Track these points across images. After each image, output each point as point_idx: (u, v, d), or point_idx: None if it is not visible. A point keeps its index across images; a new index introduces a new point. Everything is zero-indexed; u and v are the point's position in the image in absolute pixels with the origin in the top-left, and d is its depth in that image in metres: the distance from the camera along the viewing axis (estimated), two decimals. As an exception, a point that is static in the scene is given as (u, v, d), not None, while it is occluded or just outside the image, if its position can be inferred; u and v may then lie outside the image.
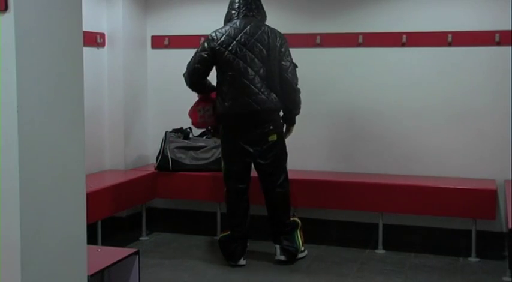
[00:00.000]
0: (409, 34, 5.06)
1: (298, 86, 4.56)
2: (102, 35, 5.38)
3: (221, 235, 4.72)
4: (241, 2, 4.58)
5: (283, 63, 4.49)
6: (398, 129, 5.15)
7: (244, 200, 4.61)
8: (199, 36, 5.54)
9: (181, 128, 5.50)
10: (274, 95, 4.46)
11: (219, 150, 5.26)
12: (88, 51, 4.93)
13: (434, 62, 5.04)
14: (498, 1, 4.85)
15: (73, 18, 2.57)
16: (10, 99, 2.29)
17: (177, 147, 5.30)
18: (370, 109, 5.21)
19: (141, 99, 5.71)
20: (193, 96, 5.63)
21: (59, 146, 2.51)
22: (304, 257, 4.70)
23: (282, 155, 4.59)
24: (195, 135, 5.51)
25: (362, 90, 5.20)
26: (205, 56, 4.51)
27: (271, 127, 4.49)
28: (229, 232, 4.62)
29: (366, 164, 5.23)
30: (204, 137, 5.47)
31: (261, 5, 4.66)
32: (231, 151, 4.58)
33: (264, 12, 4.68)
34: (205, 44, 4.54)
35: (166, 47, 5.68)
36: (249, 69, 4.43)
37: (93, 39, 5.25)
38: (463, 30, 4.94)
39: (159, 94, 5.75)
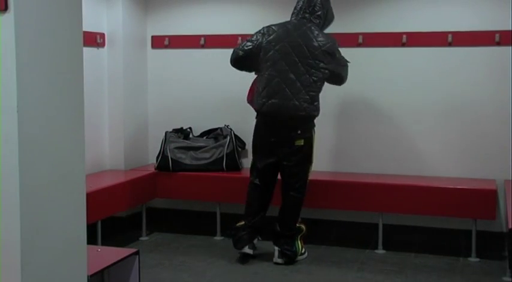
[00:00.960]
0: (409, 34, 5.06)
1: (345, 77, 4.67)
2: (102, 35, 5.38)
3: (237, 224, 4.72)
4: (304, 2, 4.57)
5: (335, 71, 4.55)
6: (398, 129, 5.15)
7: (261, 197, 4.64)
8: (199, 36, 5.56)
9: (181, 128, 5.51)
10: (308, 103, 4.45)
11: (219, 150, 5.28)
12: (88, 51, 4.92)
13: (434, 62, 5.04)
14: (498, 1, 4.85)
15: (73, 18, 2.56)
16: (10, 99, 2.28)
17: (177, 147, 5.30)
18: (369, 109, 5.21)
19: (141, 99, 5.71)
20: (193, 96, 5.65)
21: (59, 146, 2.51)
22: (304, 258, 4.71)
23: (306, 161, 4.57)
24: (195, 135, 5.52)
25: (362, 90, 5.20)
26: (252, 48, 4.57)
27: (299, 132, 4.50)
28: (243, 222, 4.66)
29: (366, 164, 5.23)
30: (204, 137, 5.47)
31: (326, 9, 4.60)
32: (259, 147, 4.64)
33: (327, 17, 4.63)
34: (255, 36, 4.59)
35: (166, 47, 5.68)
36: (290, 73, 4.45)
37: (93, 39, 5.25)
38: (463, 30, 4.94)
39: (159, 94, 5.75)
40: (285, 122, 4.50)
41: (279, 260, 4.58)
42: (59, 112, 2.50)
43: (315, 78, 4.48)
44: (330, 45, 4.52)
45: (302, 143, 4.51)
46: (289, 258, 4.59)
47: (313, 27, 4.53)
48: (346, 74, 4.66)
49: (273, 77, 4.49)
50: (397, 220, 5.08)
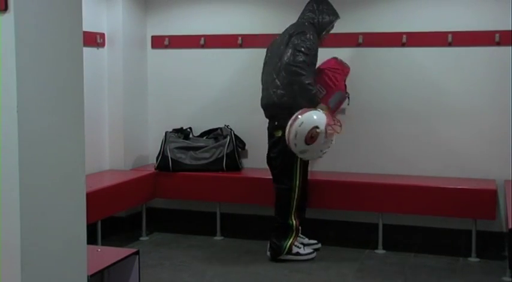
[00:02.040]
0: (409, 34, 5.06)
1: (296, 69, 4.37)
2: (102, 35, 5.38)
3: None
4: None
5: (285, 51, 4.50)
6: (398, 129, 5.15)
7: None
8: (199, 36, 5.56)
9: (182, 128, 5.51)
10: (281, 90, 4.53)
11: (219, 150, 5.29)
12: (88, 51, 4.92)
13: (434, 62, 5.04)
14: (498, 1, 4.85)
15: (73, 18, 2.56)
16: (10, 100, 2.28)
17: (177, 147, 5.30)
18: (369, 109, 5.20)
19: (141, 99, 5.71)
20: (193, 96, 5.65)
21: (59, 146, 2.51)
22: (306, 260, 4.67)
23: (288, 153, 4.54)
24: (195, 135, 5.51)
25: (362, 90, 5.20)
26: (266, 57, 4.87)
27: (276, 123, 4.59)
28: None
29: (366, 164, 5.23)
30: (204, 137, 5.47)
31: (312, 6, 4.66)
32: None
33: (321, 11, 4.65)
34: None
35: (166, 47, 5.68)
36: (268, 66, 4.69)
37: (93, 39, 5.25)
38: (463, 30, 4.94)
39: (159, 94, 5.75)
40: (266, 113, 4.70)
41: (268, 253, 4.64)
42: (59, 112, 2.50)
43: (284, 67, 4.48)
44: (295, 32, 4.53)
45: (280, 135, 4.55)
46: (274, 252, 4.60)
47: (293, 24, 4.66)
48: (294, 58, 4.37)
49: (263, 73, 4.77)
50: (397, 220, 5.08)
